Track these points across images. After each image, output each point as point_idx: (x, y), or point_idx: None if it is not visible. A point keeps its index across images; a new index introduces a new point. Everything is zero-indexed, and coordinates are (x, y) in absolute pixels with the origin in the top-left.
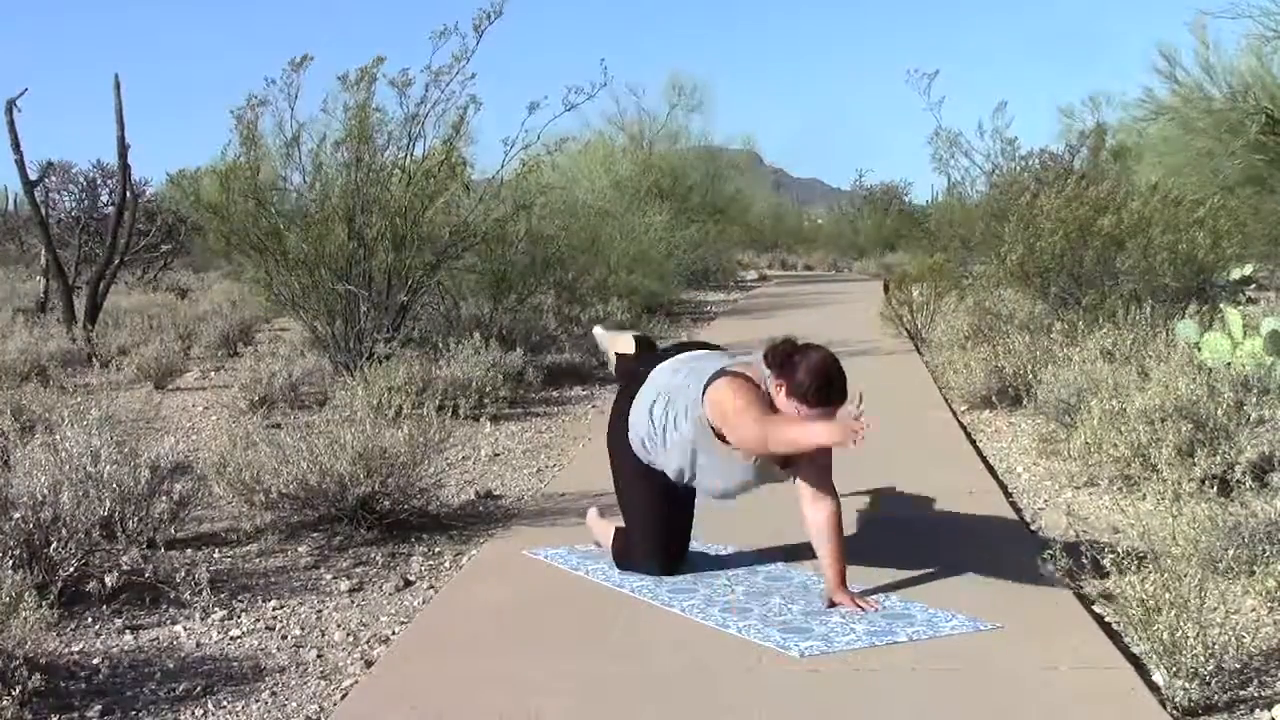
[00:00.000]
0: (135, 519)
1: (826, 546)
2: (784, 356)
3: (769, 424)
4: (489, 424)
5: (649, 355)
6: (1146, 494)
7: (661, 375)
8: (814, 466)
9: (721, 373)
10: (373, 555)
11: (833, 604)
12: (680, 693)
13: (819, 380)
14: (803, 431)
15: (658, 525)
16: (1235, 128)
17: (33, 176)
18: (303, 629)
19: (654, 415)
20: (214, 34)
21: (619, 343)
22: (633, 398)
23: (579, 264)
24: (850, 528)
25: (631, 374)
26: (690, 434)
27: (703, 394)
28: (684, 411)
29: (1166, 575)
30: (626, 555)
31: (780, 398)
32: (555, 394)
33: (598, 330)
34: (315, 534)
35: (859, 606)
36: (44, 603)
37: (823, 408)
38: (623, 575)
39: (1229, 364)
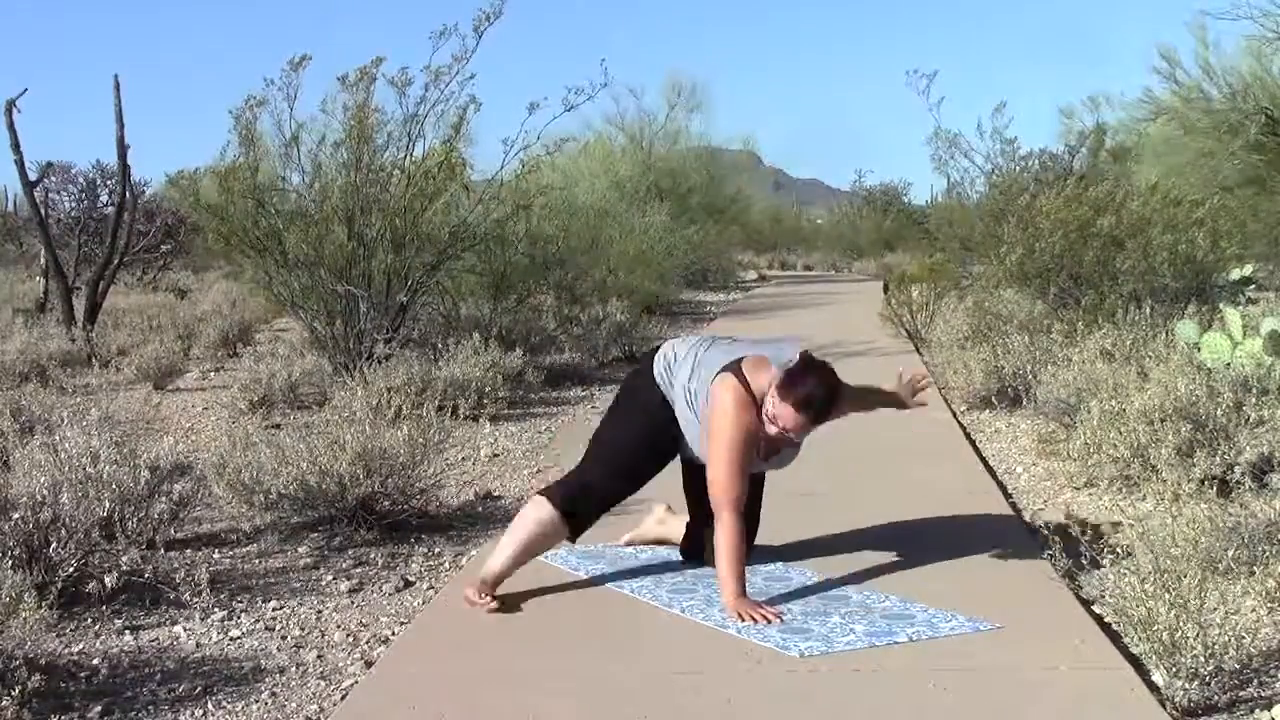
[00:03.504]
0: (135, 519)
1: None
2: (802, 367)
3: (732, 482)
4: (488, 424)
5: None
6: (1146, 494)
7: (679, 340)
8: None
9: (735, 365)
10: (372, 556)
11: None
12: (680, 693)
13: (808, 390)
14: (723, 550)
15: (628, 466)
16: (1235, 128)
17: (32, 177)
18: (302, 629)
19: (672, 366)
20: (214, 35)
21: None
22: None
23: (578, 264)
24: (850, 528)
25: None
26: (698, 402)
27: (715, 375)
28: (700, 380)
29: (1166, 575)
30: (576, 488)
31: (774, 395)
32: (555, 394)
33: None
34: (315, 534)
35: (753, 618)
36: (44, 603)
37: (799, 415)
38: (623, 575)
39: (1228, 364)
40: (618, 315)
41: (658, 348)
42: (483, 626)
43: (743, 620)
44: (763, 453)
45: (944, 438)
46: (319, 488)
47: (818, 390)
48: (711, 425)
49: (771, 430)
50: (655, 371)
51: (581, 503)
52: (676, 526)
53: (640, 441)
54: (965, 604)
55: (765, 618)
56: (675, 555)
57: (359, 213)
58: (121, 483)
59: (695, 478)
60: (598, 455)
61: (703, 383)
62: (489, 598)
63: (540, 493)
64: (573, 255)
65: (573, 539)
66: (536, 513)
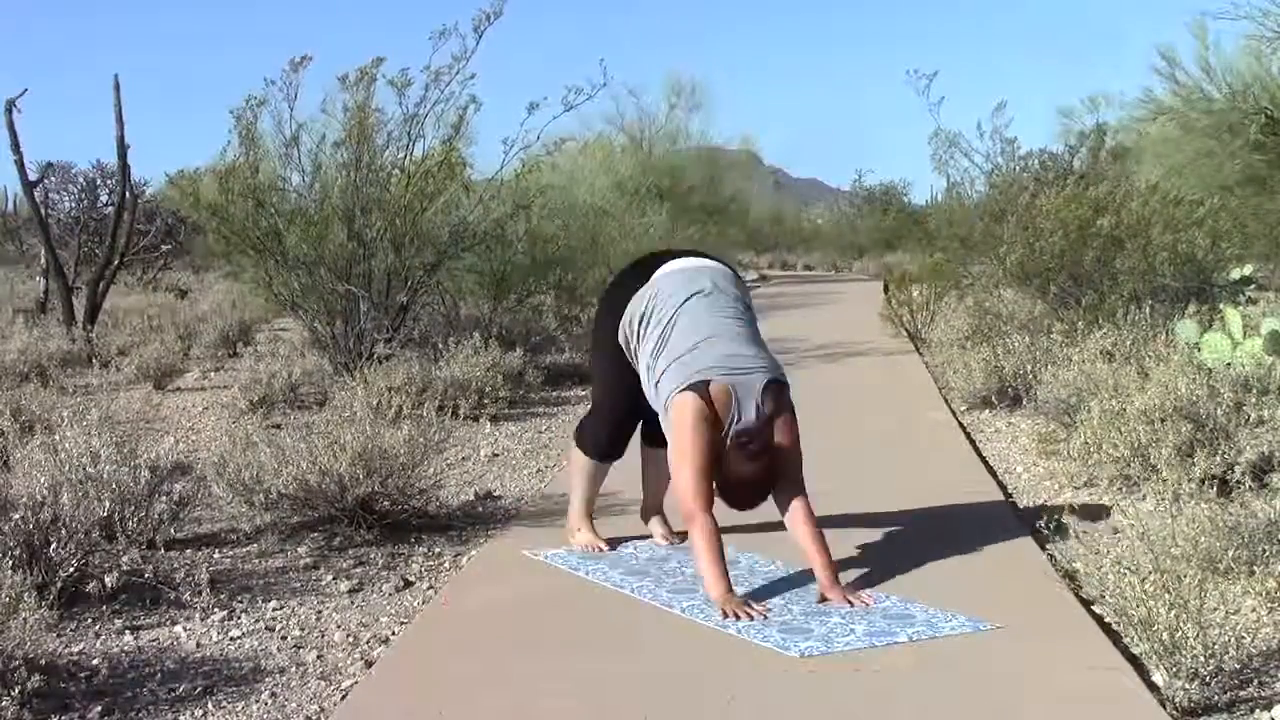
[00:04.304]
0: (135, 519)
1: (809, 543)
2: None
3: (698, 490)
4: (489, 424)
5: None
6: (1146, 494)
7: (669, 292)
8: (784, 464)
9: (705, 387)
10: (372, 556)
11: (824, 599)
12: (680, 693)
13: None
14: (701, 549)
15: (618, 398)
16: (1235, 128)
17: (32, 177)
18: (302, 629)
19: (642, 326)
20: (214, 34)
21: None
22: (624, 302)
23: (578, 264)
24: (850, 528)
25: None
26: (659, 390)
27: (678, 392)
28: (662, 380)
29: (1166, 575)
30: (582, 433)
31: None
32: (555, 394)
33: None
34: (315, 534)
35: (850, 602)
36: (44, 603)
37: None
38: (623, 575)
39: (1229, 364)
40: None
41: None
42: (483, 626)
43: (725, 617)
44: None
45: (944, 437)
46: (319, 488)
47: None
48: (673, 434)
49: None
50: (620, 335)
51: (599, 430)
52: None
53: (622, 371)
54: (965, 604)
55: (750, 614)
56: (675, 555)
57: (359, 213)
58: (121, 483)
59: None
60: (597, 386)
61: (661, 393)
62: (592, 534)
63: (575, 435)
64: (573, 255)
65: (611, 459)
66: (574, 454)
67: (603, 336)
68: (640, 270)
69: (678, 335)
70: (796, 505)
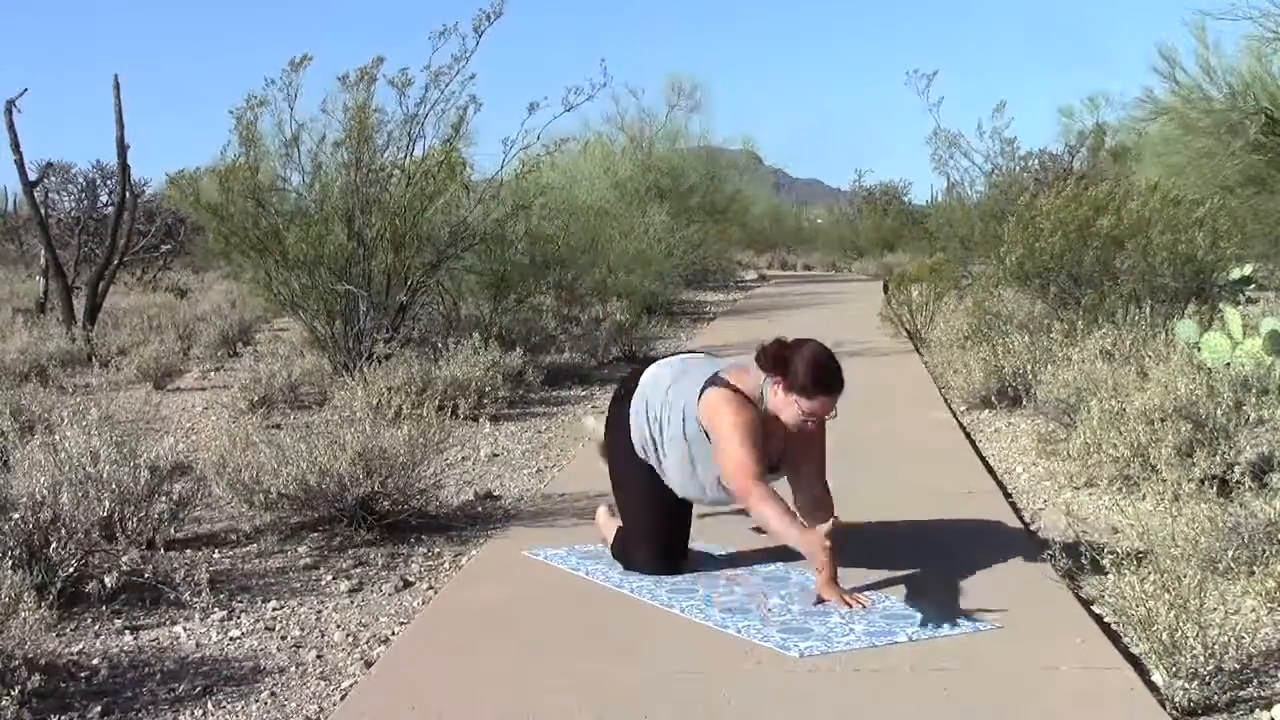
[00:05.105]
0: (135, 519)
1: None
2: (776, 354)
3: (749, 461)
4: (488, 424)
5: (641, 365)
6: (1146, 494)
7: (655, 373)
8: (809, 468)
9: (716, 378)
10: (372, 556)
11: (821, 600)
12: (680, 693)
13: (815, 371)
14: (777, 520)
15: (657, 528)
16: (1235, 128)
17: (32, 177)
18: (302, 629)
19: (649, 414)
20: (214, 34)
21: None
22: (629, 399)
23: (578, 264)
24: (850, 528)
25: (627, 380)
26: (686, 435)
27: (699, 396)
28: (681, 412)
29: (1166, 575)
30: (626, 556)
31: (779, 396)
32: (555, 394)
33: (589, 420)
34: (315, 534)
35: (847, 603)
36: (43, 603)
37: (821, 397)
38: (623, 575)
39: (1228, 364)
40: (618, 315)
41: (629, 398)
42: (483, 626)
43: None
44: (772, 458)
45: (944, 438)
46: (319, 488)
47: (819, 361)
48: (714, 431)
49: (802, 421)
50: (638, 449)
51: (637, 566)
52: (612, 527)
53: (652, 503)
54: (965, 604)
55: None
56: None
57: (359, 213)
58: (121, 483)
59: None
60: (627, 525)
61: (688, 406)
62: None
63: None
64: (573, 255)
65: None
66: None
67: (619, 454)
68: (628, 382)
69: (671, 372)
70: (821, 500)
